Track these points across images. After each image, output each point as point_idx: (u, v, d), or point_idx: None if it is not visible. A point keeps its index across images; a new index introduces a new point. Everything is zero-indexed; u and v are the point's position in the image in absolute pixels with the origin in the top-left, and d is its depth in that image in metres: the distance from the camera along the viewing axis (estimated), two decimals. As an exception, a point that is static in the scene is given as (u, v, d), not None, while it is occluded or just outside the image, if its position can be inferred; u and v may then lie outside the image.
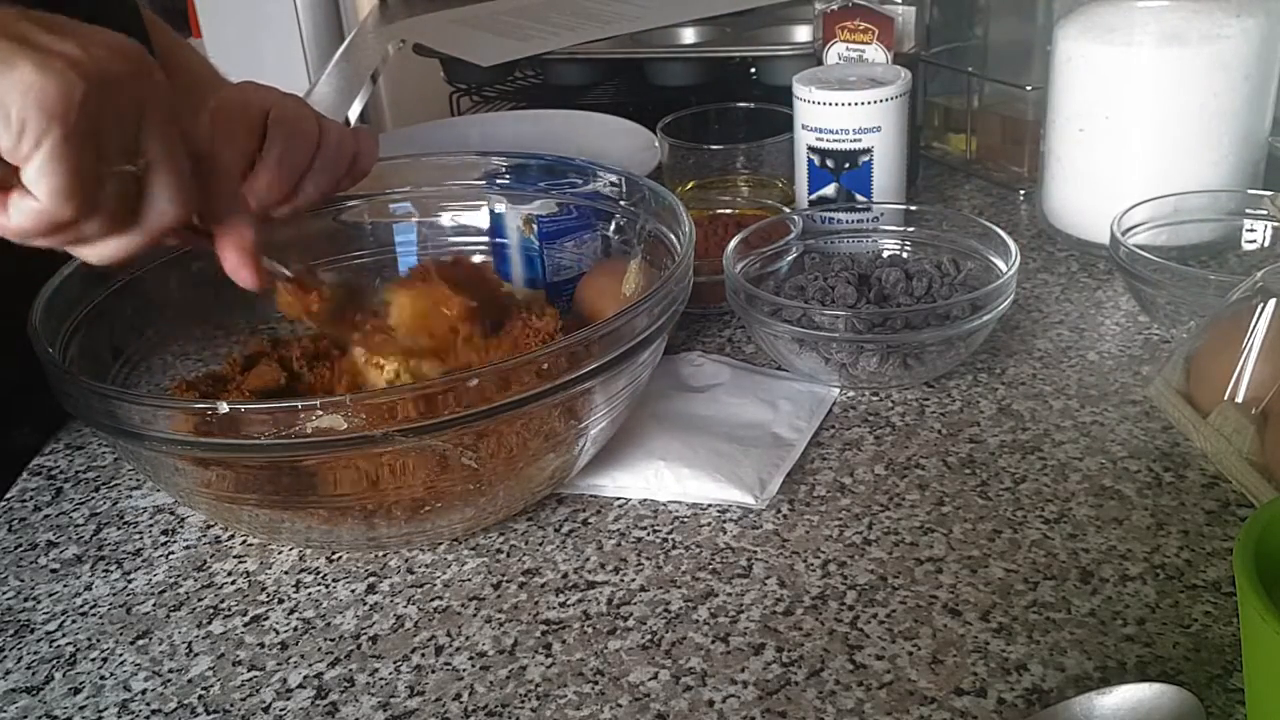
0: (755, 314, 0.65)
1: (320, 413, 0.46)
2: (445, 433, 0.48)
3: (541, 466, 0.54)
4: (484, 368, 0.49)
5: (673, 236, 0.62)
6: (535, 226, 0.69)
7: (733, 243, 0.70)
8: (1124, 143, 0.76)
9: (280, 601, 0.52)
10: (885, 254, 0.75)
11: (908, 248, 0.75)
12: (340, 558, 0.55)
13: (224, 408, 0.46)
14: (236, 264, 0.51)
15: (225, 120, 0.58)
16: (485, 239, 0.73)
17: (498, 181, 0.72)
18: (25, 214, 0.43)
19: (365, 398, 0.47)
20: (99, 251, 0.46)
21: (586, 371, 0.50)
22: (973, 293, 0.64)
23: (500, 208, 0.71)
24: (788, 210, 0.79)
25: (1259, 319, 0.56)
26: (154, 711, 0.47)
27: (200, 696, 0.47)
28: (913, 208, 0.78)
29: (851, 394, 0.65)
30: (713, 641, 0.48)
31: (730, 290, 0.68)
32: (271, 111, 0.60)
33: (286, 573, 0.54)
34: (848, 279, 0.68)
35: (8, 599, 0.54)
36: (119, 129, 0.43)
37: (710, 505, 0.56)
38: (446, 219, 0.73)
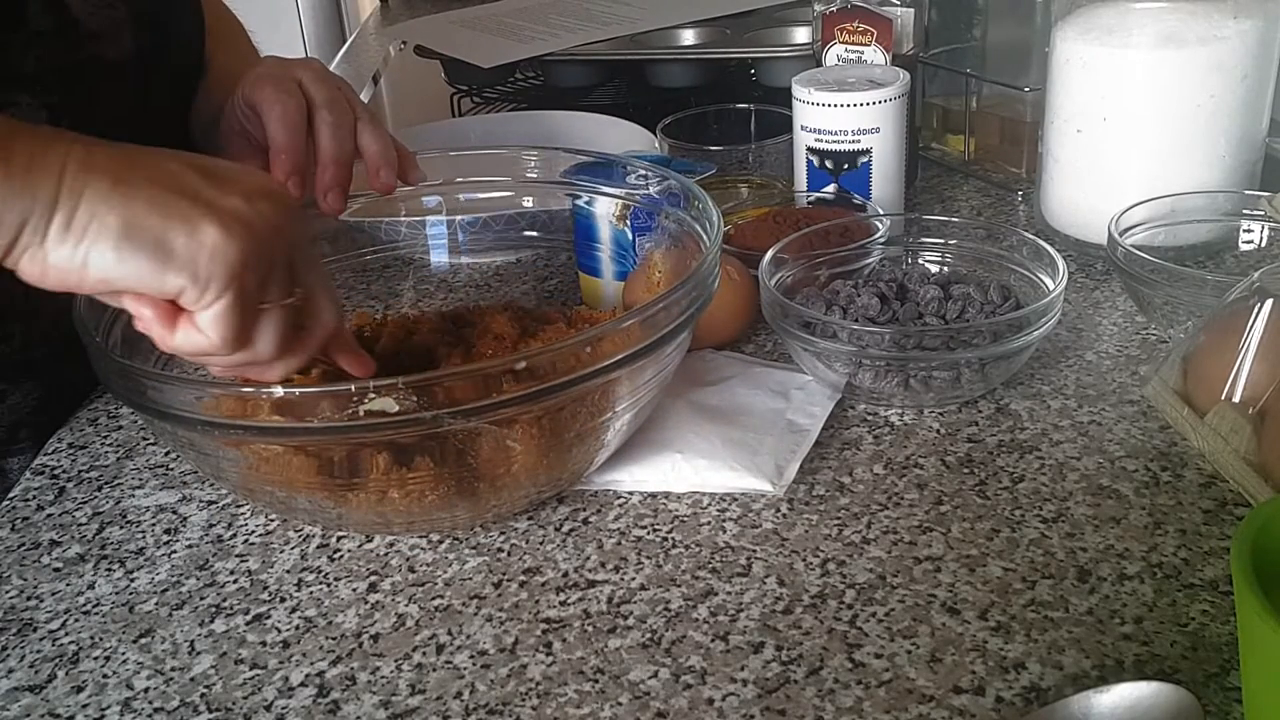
0: (775, 312, 0.65)
1: (373, 395, 0.47)
2: (494, 414, 0.49)
3: (576, 453, 0.54)
4: (531, 352, 0.49)
5: (700, 229, 0.62)
6: (629, 219, 0.69)
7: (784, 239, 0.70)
8: (1122, 144, 0.76)
9: (282, 600, 0.53)
10: (945, 270, 0.71)
11: (975, 268, 0.71)
12: (342, 556, 0.55)
13: (279, 391, 0.48)
14: (354, 367, 0.55)
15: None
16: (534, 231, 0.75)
17: (575, 177, 0.72)
18: (192, 346, 0.47)
19: (417, 380, 0.48)
20: (273, 373, 0.50)
21: (628, 355, 0.51)
22: (988, 333, 0.61)
23: (588, 200, 0.71)
24: (880, 211, 0.79)
25: (1256, 319, 0.56)
26: (156, 710, 0.47)
27: (202, 695, 0.48)
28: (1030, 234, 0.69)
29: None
30: (712, 640, 0.48)
31: (762, 283, 0.66)
32: (306, 86, 0.64)
33: (288, 571, 0.54)
34: (879, 290, 0.65)
35: (11, 598, 0.54)
36: (279, 272, 0.47)
37: (710, 505, 0.57)
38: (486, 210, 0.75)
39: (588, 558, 0.54)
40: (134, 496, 0.61)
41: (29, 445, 0.69)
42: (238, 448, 0.52)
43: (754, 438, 0.59)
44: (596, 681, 0.47)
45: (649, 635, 0.49)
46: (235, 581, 0.54)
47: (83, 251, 0.43)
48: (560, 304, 0.75)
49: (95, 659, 0.50)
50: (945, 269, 0.72)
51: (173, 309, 0.45)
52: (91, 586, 0.55)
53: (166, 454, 0.65)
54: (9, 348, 0.68)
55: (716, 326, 0.69)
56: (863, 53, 0.87)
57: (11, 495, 0.62)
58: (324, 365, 0.56)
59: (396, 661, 0.48)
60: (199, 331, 0.46)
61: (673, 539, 0.55)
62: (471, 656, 0.48)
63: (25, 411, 0.70)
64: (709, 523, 0.56)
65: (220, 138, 0.68)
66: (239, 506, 0.60)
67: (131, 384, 0.50)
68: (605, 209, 0.70)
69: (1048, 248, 0.66)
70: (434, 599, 0.52)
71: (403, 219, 0.74)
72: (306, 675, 0.48)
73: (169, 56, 0.73)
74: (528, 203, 0.75)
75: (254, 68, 0.66)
